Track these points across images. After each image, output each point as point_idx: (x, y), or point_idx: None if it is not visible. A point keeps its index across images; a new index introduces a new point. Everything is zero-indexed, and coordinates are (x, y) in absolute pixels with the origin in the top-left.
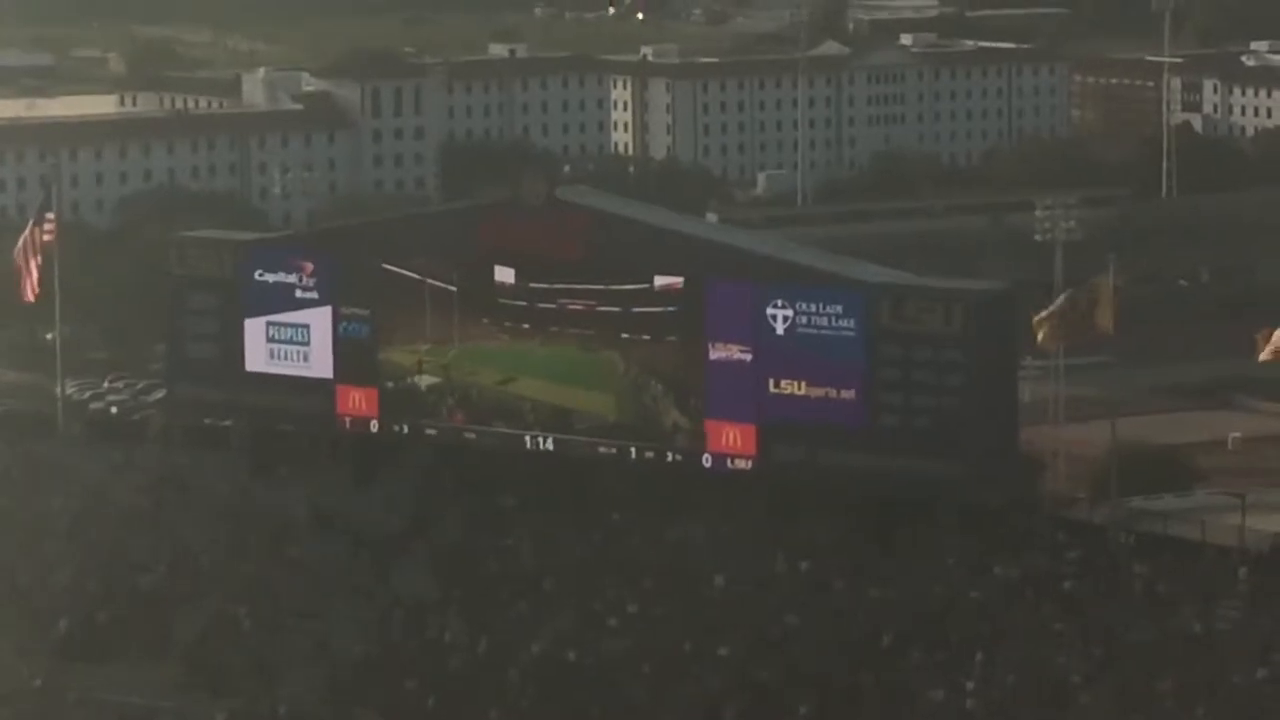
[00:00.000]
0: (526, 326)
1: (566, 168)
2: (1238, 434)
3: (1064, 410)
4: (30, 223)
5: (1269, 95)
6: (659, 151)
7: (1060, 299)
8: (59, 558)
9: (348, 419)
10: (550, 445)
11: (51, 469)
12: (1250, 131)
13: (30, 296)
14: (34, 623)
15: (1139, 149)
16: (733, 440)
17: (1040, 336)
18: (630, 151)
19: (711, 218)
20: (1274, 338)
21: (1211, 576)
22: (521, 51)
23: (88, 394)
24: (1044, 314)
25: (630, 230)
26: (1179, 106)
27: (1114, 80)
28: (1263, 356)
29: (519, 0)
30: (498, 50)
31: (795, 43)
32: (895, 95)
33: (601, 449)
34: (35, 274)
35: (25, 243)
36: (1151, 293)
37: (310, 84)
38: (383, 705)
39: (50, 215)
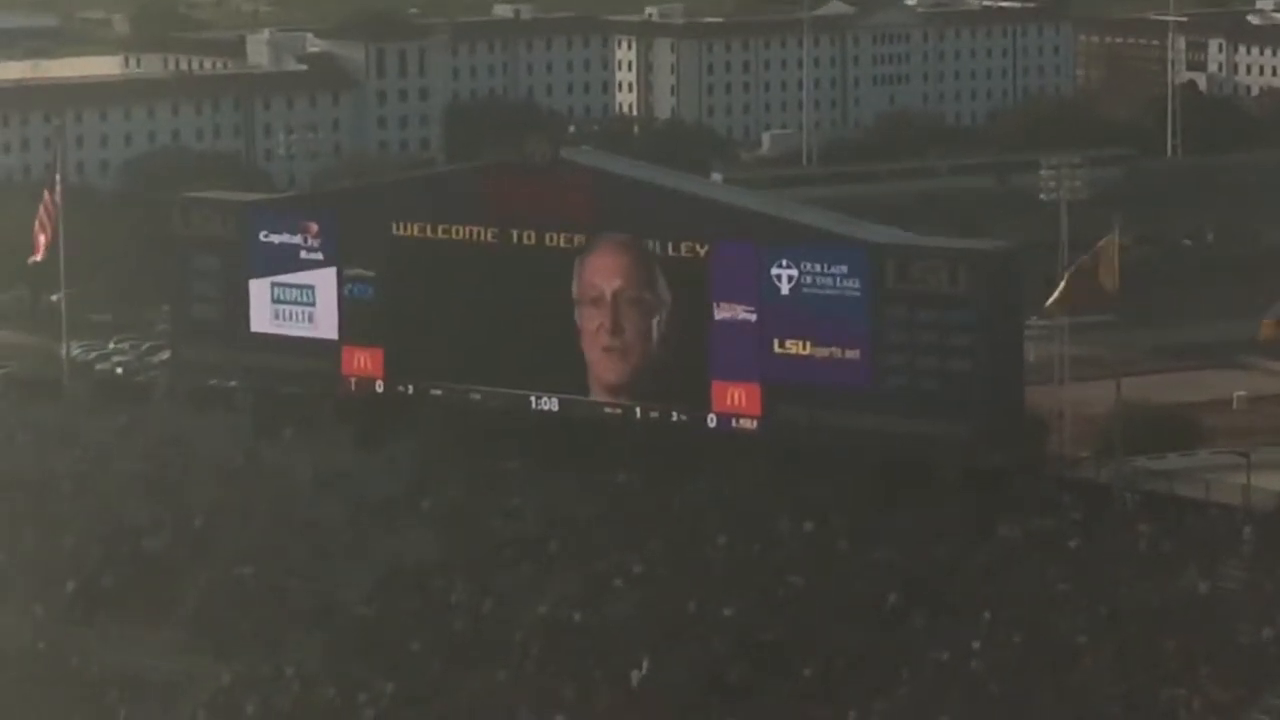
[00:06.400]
0: None
1: (571, 128)
2: (1242, 393)
3: (1069, 370)
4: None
5: (1274, 54)
6: (664, 112)
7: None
8: (64, 520)
9: (353, 380)
10: (555, 406)
11: (56, 431)
12: (1255, 91)
13: (38, 257)
14: (39, 585)
15: (1144, 108)
16: (737, 401)
17: (1050, 301)
18: (635, 112)
19: (716, 178)
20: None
21: (1216, 536)
22: (526, 12)
23: (93, 355)
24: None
25: (635, 191)
26: (1184, 66)
27: (1119, 39)
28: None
29: None
30: (502, 10)
31: (800, 2)
32: (900, 55)
33: (606, 410)
34: (45, 236)
35: (44, 206)
36: (1156, 252)
37: (315, 45)
38: (387, 667)
39: (56, 177)
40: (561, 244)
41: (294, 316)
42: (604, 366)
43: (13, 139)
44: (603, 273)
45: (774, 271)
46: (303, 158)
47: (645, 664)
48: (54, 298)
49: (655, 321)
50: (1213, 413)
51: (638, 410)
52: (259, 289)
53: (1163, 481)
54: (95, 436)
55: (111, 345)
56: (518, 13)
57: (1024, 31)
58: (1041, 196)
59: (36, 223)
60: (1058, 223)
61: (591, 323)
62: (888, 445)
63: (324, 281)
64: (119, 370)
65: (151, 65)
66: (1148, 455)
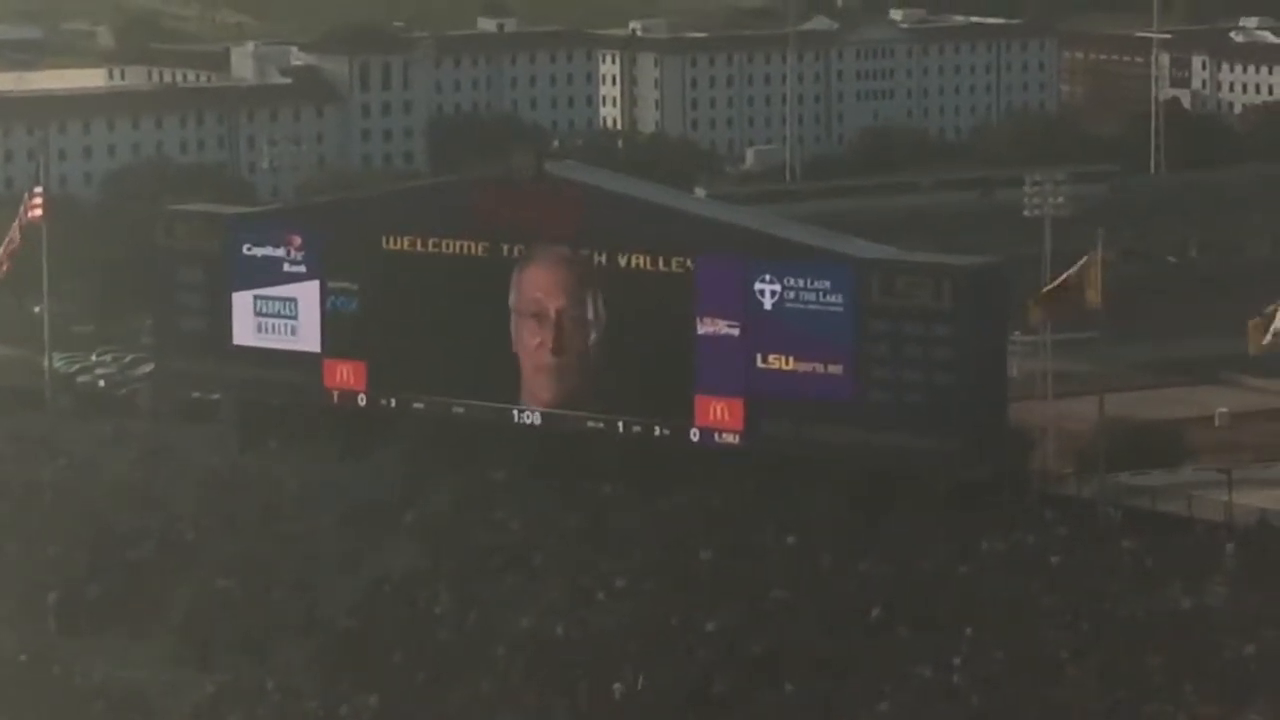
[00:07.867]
0: None
1: (555, 142)
2: (1225, 410)
3: (1052, 386)
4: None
5: (1257, 71)
6: (648, 126)
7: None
8: (47, 531)
9: (335, 393)
10: (538, 419)
11: (40, 442)
12: (1238, 108)
13: None
14: (22, 596)
15: (1128, 125)
16: (720, 415)
17: (1031, 313)
18: (619, 126)
19: (700, 192)
20: (1274, 323)
21: (1199, 552)
22: (510, 25)
23: (76, 367)
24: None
25: (619, 205)
26: (1168, 82)
27: (1103, 56)
28: (1254, 350)
29: None
30: (486, 24)
31: (784, 17)
32: (884, 70)
33: (590, 423)
34: (7, 254)
35: (17, 220)
36: (1140, 268)
37: (299, 58)
38: (372, 678)
39: (38, 190)
40: None
41: (277, 329)
42: (538, 381)
43: None
44: (543, 287)
45: (758, 286)
46: (286, 171)
47: (640, 678)
48: (37, 309)
49: (591, 337)
50: (1196, 429)
51: (620, 424)
52: (242, 302)
53: (1146, 498)
54: (79, 447)
55: (94, 358)
56: (501, 27)
57: (1008, 47)
58: (1025, 212)
59: (15, 232)
60: (1041, 238)
61: (533, 338)
62: (871, 459)
63: (306, 294)
64: (101, 383)
65: (136, 77)
66: (1131, 471)
